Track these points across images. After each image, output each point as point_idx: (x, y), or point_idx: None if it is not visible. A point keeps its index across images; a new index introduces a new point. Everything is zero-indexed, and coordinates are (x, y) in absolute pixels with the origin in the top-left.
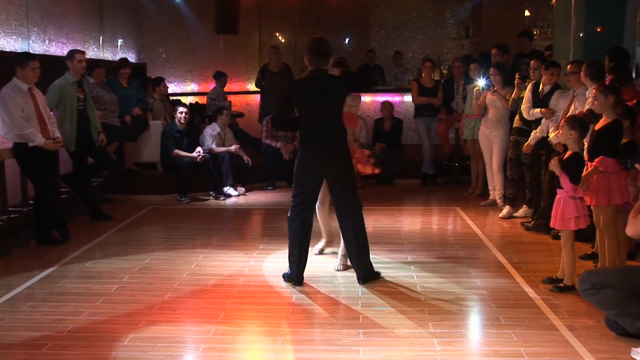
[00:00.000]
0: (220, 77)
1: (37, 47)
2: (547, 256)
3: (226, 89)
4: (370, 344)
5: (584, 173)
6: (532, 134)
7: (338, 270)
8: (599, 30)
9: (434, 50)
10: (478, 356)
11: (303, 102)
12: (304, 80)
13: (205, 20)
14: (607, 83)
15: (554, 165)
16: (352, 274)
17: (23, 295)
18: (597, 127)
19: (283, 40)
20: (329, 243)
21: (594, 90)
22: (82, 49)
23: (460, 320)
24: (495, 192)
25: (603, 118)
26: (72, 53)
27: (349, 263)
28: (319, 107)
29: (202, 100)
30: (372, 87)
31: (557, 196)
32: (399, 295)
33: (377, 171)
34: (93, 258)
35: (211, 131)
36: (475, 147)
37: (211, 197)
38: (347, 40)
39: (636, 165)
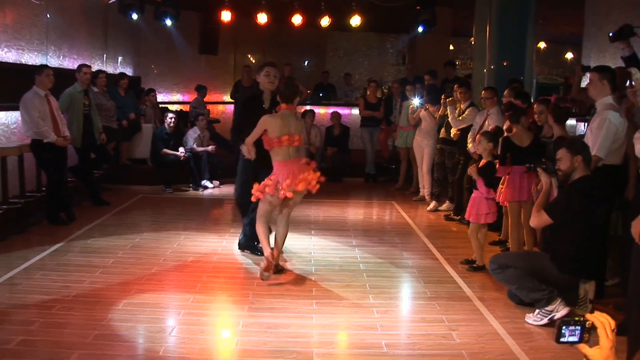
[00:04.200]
0: (201, 90)
1: (54, 61)
2: (465, 242)
3: (205, 99)
4: (322, 312)
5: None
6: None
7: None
8: (505, 64)
9: (376, 73)
10: (409, 322)
11: None
12: None
13: (190, 43)
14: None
15: (472, 171)
16: (307, 255)
17: (36, 265)
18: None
19: (254, 61)
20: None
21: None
22: (88, 64)
23: (395, 293)
24: (424, 189)
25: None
26: (80, 67)
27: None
28: None
29: (186, 108)
30: None
31: (473, 195)
32: (345, 272)
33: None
34: (93, 236)
35: (193, 133)
36: (407, 153)
37: (191, 189)
38: (306, 62)
39: (538, 169)
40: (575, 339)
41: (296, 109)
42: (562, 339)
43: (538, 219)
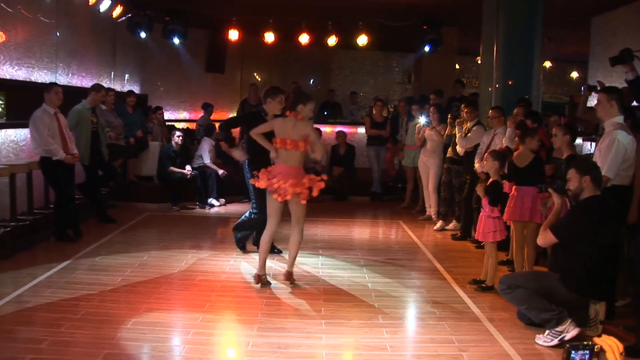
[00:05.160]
0: (208, 108)
1: (62, 79)
2: (472, 262)
3: (212, 117)
4: (331, 332)
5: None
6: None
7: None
8: (510, 83)
9: (382, 91)
10: (418, 343)
11: None
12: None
13: (197, 60)
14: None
15: (479, 190)
16: (315, 274)
17: (45, 282)
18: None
19: (260, 79)
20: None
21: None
22: (102, 84)
23: (404, 314)
24: (431, 209)
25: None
26: (100, 87)
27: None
28: None
29: (192, 126)
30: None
31: (481, 214)
32: (353, 292)
33: (322, 184)
34: (101, 254)
35: (207, 146)
36: (413, 172)
37: (197, 207)
38: (311, 80)
39: (549, 189)
40: None
41: (303, 117)
42: None
43: (544, 238)
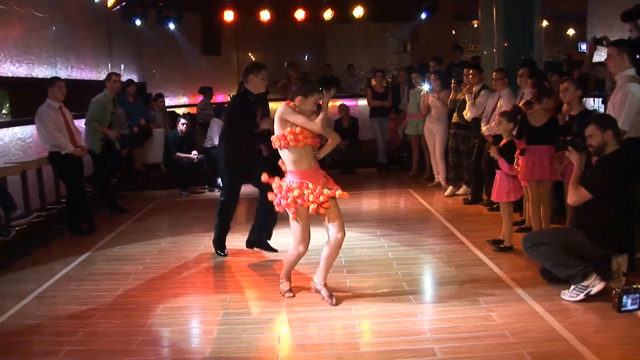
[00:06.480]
0: (207, 91)
1: (62, 73)
2: (487, 224)
3: (211, 100)
4: (359, 302)
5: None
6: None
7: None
8: (505, 45)
9: (379, 62)
10: (447, 306)
11: None
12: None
13: (193, 44)
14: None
15: (493, 152)
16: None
17: (68, 276)
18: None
19: (254, 59)
20: None
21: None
22: (117, 72)
23: (428, 279)
24: (439, 175)
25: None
26: (109, 75)
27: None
28: None
29: (192, 110)
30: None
31: (497, 176)
32: (375, 261)
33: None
34: (119, 244)
35: (217, 127)
36: (418, 140)
37: (206, 190)
38: (306, 56)
39: (568, 147)
40: (635, 306)
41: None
42: (623, 309)
43: (577, 196)
